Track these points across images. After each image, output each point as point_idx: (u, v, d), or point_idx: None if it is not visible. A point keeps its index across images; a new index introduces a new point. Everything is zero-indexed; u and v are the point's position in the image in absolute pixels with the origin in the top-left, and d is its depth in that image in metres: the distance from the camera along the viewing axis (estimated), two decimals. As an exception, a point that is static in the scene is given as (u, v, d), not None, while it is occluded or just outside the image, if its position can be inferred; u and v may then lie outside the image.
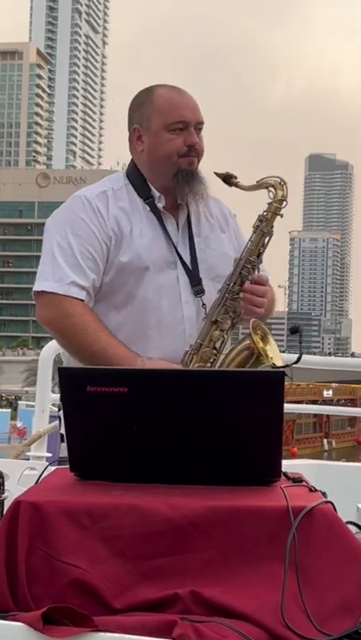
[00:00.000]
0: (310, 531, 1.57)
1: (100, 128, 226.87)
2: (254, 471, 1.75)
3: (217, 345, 2.34)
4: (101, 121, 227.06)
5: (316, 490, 1.75)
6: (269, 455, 1.76)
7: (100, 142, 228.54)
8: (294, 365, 2.32)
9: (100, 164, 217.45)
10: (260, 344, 2.27)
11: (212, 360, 2.32)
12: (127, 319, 2.35)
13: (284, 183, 2.38)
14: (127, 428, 1.72)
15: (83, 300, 2.31)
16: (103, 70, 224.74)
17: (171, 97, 2.42)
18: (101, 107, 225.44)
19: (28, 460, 3.73)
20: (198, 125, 2.41)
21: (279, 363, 2.27)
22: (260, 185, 2.39)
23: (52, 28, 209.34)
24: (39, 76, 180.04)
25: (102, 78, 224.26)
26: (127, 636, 1.40)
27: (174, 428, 1.72)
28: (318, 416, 47.50)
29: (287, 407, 2.52)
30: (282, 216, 2.38)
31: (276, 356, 2.29)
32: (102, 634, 1.40)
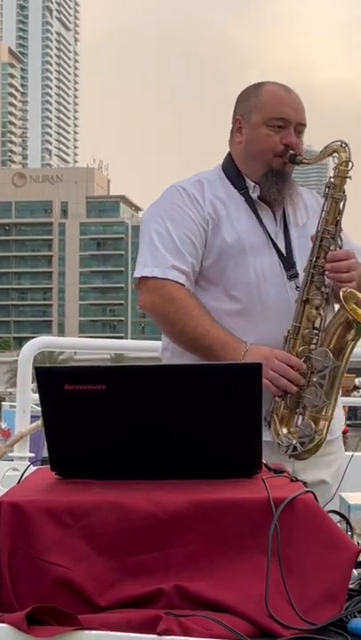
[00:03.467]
0: (292, 521, 1.57)
1: (75, 125, 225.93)
2: (235, 463, 1.75)
3: (316, 324, 2.28)
4: (76, 118, 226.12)
5: (297, 480, 1.76)
6: (250, 447, 1.76)
7: (76, 140, 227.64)
8: None
9: (76, 161, 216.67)
10: (359, 311, 2.17)
11: (314, 341, 2.27)
12: (231, 304, 2.34)
13: (346, 144, 2.32)
14: (107, 425, 1.72)
15: (183, 285, 2.30)
16: (76, 67, 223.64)
17: (277, 93, 2.40)
18: (75, 104, 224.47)
19: (12, 460, 3.73)
20: (299, 127, 2.39)
21: None
22: (325, 153, 2.35)
23: (22, 26, 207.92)
24: (11, 75, 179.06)
25: (75, 75, 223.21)
26: (112, 633, 1.40)
27: (154, 424, 1.71)
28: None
29: None
30: (351, 178, 2.31)
31: None
32: (87, 632, 1.40)
